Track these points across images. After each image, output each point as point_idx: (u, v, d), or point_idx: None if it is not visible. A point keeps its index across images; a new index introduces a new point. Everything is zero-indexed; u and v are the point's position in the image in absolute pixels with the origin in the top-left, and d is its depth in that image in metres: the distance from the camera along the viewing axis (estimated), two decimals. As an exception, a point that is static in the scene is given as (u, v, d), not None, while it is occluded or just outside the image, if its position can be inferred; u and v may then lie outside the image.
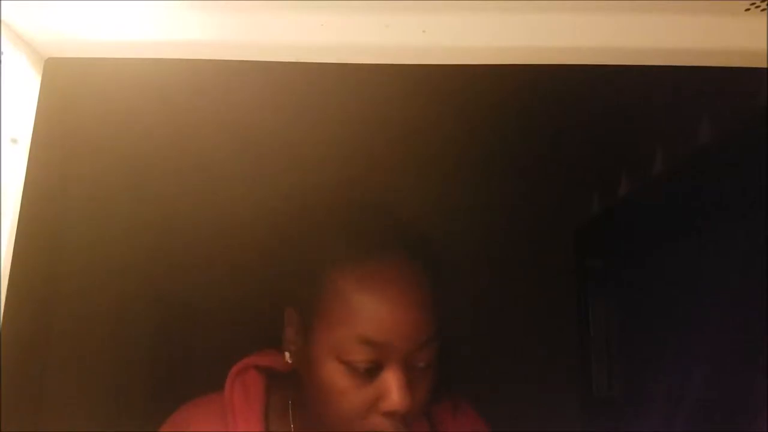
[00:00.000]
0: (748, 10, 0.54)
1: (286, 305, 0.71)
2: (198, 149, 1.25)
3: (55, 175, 1.04)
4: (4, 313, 0.55)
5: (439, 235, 0.79)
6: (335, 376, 0.64)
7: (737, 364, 0.86)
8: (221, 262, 1.34)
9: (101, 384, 1.18)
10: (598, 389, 1.32)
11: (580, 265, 1.43)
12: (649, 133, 1.14)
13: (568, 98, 1.11)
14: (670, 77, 0.69)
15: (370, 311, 0.63)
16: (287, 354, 0.70)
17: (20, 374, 0.95)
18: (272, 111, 1.19)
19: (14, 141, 0.57)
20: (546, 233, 1.46)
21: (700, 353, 0.94)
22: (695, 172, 1.02)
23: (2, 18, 0.54)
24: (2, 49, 0.55)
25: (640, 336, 1.18)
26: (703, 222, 0.97)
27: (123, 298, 1.25)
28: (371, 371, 0.63)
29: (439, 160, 1.35)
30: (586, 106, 1.17)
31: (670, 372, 1.02)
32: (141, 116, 1.11)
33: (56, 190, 1.07)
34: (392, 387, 0.62)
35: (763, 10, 0.54)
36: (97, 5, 0.54)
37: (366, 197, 0.82)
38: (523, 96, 1.12)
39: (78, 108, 1.08)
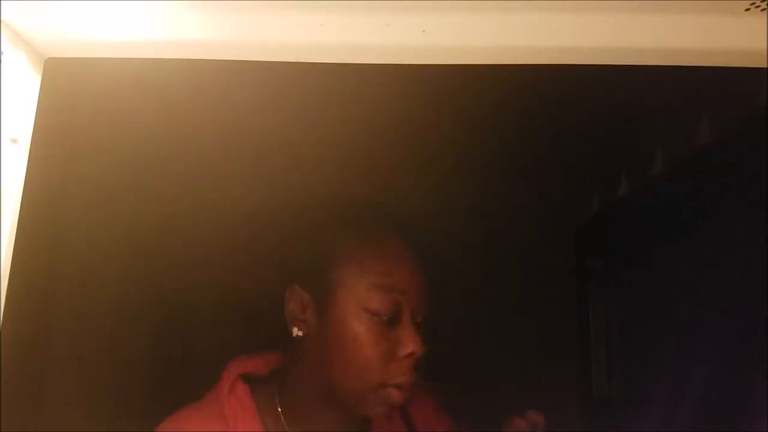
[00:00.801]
0: (748, 10, 0.54)
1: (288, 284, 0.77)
2: (198, 149, 1.25)
3: (55, 175, 1.04)
4: (4, 313, 0.55)
5: (439, 235, 0.80)
6: (361, 328, 0.72)
7: (737, 364, 0.86)
8: (221, 262, 1.34)
9: (101, 384, 1.18)
10: (598, 389, 1.32)
11: (580, 265, 1.43)
12: (649, 133, 1.14)
13: (568, 98, 1.11)
14: (670, 77, 0.69)
15: (381, 267, 0.74)
16: (295, 329, 0.75)
17: (20, 374, 0.95)
18: (272, 111, 1.19)
19: (14, 141, 0.57)
20: (546, 233, 1.46)
21: (700, 353, 0.94)
22: (695, 172, 1.02)
23: (2, 18, 0.54)
24: (2, 49, 0.55)
25: (640, 336, 1.18)
26: (703, 222, 0.97)
27: (123, 298, 1.25)
28: (391, 322, 0.73)
29: (439, 160, 1.35)
30: (586, 106, 1.17)
31: (670, 372, 1.02)
32: (141, 116, 1.11)
33: (56, 190, 1.07)
34: (409, 333, 0.73)
35: (763, 10, 0.54)
36: (97, 5, 0.54)
37: (364, 196, 0.86)
38: (523, 96, 1.12)
39: (78, 108, 1.07)
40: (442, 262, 0.94)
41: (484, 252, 1.44)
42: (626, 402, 1.22)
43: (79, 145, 1.12)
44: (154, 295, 1.33)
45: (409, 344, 0.72)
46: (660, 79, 0.74)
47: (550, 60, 0.60)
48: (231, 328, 1.25)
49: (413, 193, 1.21)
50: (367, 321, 0.72)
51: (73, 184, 1.12)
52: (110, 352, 1.22)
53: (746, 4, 0.53)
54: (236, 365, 0.80)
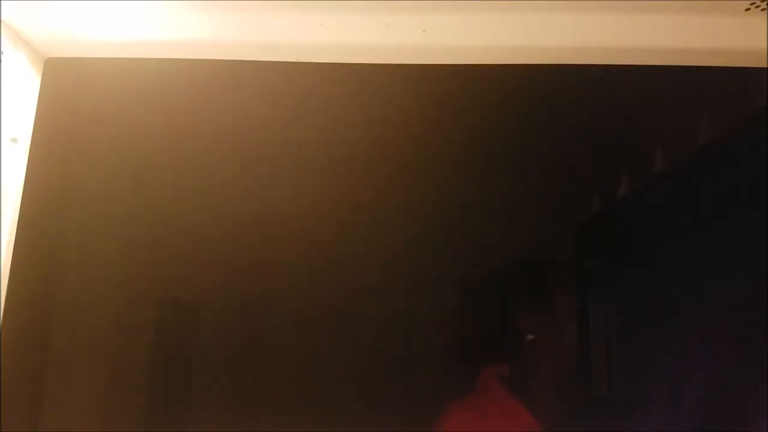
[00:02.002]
0: (748, 10, 0.54)
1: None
2: (198, 149, 1.25)
3: (55, 175, 1.04)
4: (4, 313, 0.55)
5: (439, 236, 0.80)
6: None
7: (737, 364, 0.86)
8: (222, 263, 1.34)
9: (101, 384, 1.18)
10: (598, 389, 1.32)
11: (580, 265, 1.43)
12: (649, 133, 1.14)
13: (568, 98, 1.11)
14: (670, 77, 0.69)
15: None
16: (528, 336, 1.13)
17: (20, 374, 0.95)
18: (272, 111, 1.19)
19: (14, 141, 0.57)
20: (546, 233, 1.45)
21: (700, 353, 0.94)
22: (695, 172, 1.02)
23: (2, 18, 0.54)
24: (2, 49, 0.55)
25: (640, 336, 1.18)
26: (703, 222, 0.97)
27: (123, 298, 1.25)
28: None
29: (439, 160, 1.35)
30: (586, 106, 1.17)
31: (670, 372, 1.02)
32: (141, 116, 1.11)
33: (56, 190, 1.07)
34: None
35: (763, 10, 0.54)
36: (97, 5, 0.54)
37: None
38: (523, 96, 1.12)
39: (78, 108, 1.07)
40: (441, 262, 0.94)
41: (484, 251, 1.44)
42: (626, 402, 1.22)
43: (79, 145, 1.12)
44: (155, 295, 1.33)
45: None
46: (660, 79, 0.74)
47: (550, 60, 0.60)
48: (232, 329, 1.25)
49: (413, 193, 1.21)
50: None
51: (73, 184, 1.12)
52: (110, 352, 1.22)
53: (746, 4, 0.53)
54: (491, 369, 1.09)
